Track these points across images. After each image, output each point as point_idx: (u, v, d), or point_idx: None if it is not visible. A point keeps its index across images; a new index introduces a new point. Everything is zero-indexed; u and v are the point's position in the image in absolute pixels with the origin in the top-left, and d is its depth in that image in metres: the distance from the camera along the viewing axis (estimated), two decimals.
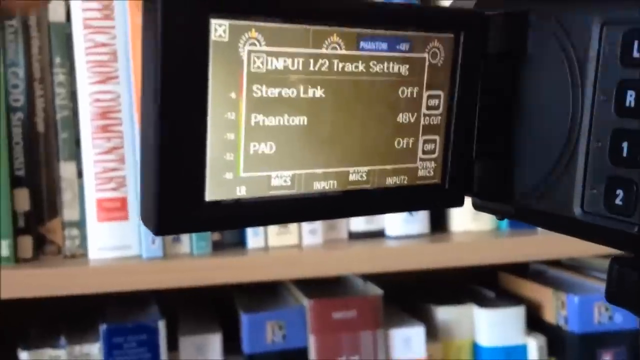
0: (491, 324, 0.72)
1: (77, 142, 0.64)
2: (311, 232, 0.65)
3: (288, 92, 0.22)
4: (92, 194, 0.64)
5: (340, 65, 0.22)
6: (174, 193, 0.20)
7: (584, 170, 0.23)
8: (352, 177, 0.23)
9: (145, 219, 0.21)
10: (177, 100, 0.20)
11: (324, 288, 0.71)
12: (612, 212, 0.23)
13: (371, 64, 0.23)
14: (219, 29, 0.20)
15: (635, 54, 0.22)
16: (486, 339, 0.72)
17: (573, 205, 0.24)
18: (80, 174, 0.64)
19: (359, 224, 0.68)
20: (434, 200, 0.26)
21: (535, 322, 0.74)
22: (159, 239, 0.64)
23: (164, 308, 0.69)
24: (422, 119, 0.24)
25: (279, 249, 0.65)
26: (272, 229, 0.65)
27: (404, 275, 0.69)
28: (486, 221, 0.70)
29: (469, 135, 0.25)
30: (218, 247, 0.66)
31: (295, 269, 0.65)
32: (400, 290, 0.77)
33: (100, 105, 0.63)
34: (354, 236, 0.68)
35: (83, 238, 0.65)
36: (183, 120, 0.20)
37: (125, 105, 0.64)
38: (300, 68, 0.22)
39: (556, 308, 0.72)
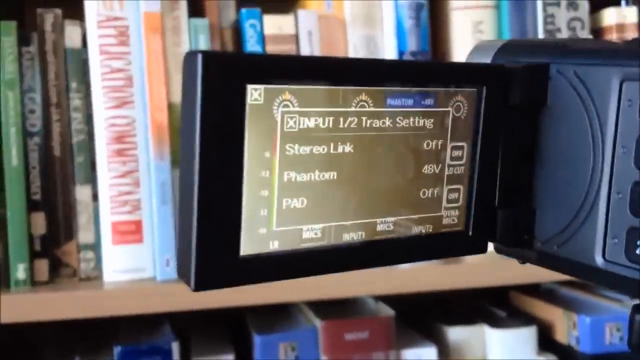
0: (503, 344, 0.72)
1: (92, 166, 0.65)
2: None
3: (319, 149, 0.22)
4: (107, 217, 0.65)
5: (369, 121, 0.23)
6: (211, 249, 0.21)
7: (605, 220, 0.24)
8: (379, 228, 0.24)
9: (182, 274, 0.21)
10: (214, 160, 0.21)
11: (336, 309, 0.71)
12: (632, 262, 0.23)
13: (397, 119, 0.24)
14: (254, 93, 0.21)
15: None
16: (498, 359, 0.72)
17: (594, 253, 0.24)
18: (95, 197, 0.65)
19: None
20: (457, 247, 0.26)
21: (546, 342, 0.74)
22: (172, 262, 0.65)
23: (177, 329, 0.69)
24: (446, 169, 0.25)
25: None
26: None
27: (415, 295, 0.69)
28: None
29: (492, 184, 0.26)
30: None
31: (307, 290, 0.66)
32: (411, 310, 0.77)
33: (115, 130, 0.64)
34: None
35: (98, 261, 0.65)
36: (220, 180, 0.21)
37: (140, 129, 0.65)
38: (331, 126, 0.22)
39: (568, 328, 0.73)
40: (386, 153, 0.24)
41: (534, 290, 0.80)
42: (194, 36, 0.66)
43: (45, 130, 0.64)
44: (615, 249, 0.24)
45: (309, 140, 0.22)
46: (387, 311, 0.71)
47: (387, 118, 0.23)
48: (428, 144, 0.25)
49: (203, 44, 0.66)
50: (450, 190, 0.25)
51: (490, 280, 0.69)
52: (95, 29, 0.64)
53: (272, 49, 0.67)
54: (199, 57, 0.20)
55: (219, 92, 0.20)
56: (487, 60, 0.27)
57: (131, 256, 0.65)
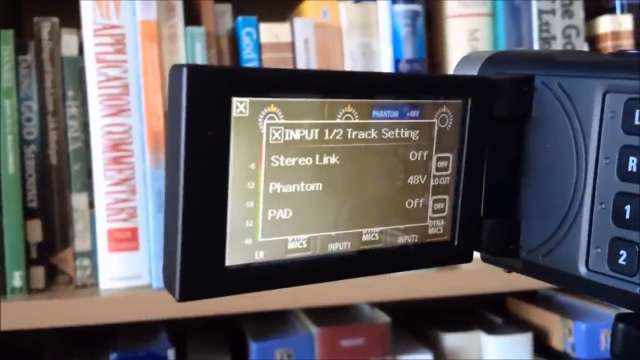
0: (499, 351, 0.72)
1: (89, 174, 0.65)
2: None
3: (304, 161, 0.23)
4: (104, 224, 0.65)
5: (354, 133, 0.23)
6: (196, 260, 0.21)
7: (589, 230, 0.24)
8: (365, 238, 0.24)
9: (168, 285, 0.22)
10: (200, 171, 0.21)
11: (332, 315, 0.71)
12: (615, 272, 0.24)
13: (383, 130, 0.24)
14: (240, 105, 0.21)
15: (637, 122, 0.23)
16: None
17: (578, 263, 0.25)
18: (91, 205, 0.65)
19: None
20: (443, 257, 0.26)
21: (542, 349, 0.74)
22: None
23: (174, 336, 0.69)
24: (431, 180, 0.25)
25: None
26: None
27: (411, 302, 0.69)
28: None
29: (477, 194, 0.26)
30: None
31: (303, 297, 0.66)
32: (408, 317, 0.77)
33: (112, 138, 0.65)
34: None
35: (94, 268, 0.66)
36: (205, 191, 0.21)
37: (137, 137, 0.65)
38: (316, 137, 0.23)
39: (563, 335, 0.73)
40: (372, 164, 0.24)
41: (530, 296, 0.81)
42: (190, 44, 0.66)
43: (42, 138, 0.65)
44: (598, 259, 0.24)
45: (295, 152, 0.22)
46: (383, 318, 0.71)
47: (373, 130, 0.24)
48: (414, 155, 0.25)
49: (199, 52, 0.66)
50: (435, 201, 0.26)
51: (486, 286, 0.69)
52: (91, 38, 0.64)
53: (268, 57, 0.68)
54: (184, 70, 0.20)
55: (204, 105, 0.21)
56: (474, 71, 0.27)
57: (127, 263, 0.65)
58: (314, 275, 0.24)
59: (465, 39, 0.71)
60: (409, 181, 0.25)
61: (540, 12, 0.71)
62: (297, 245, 0.23)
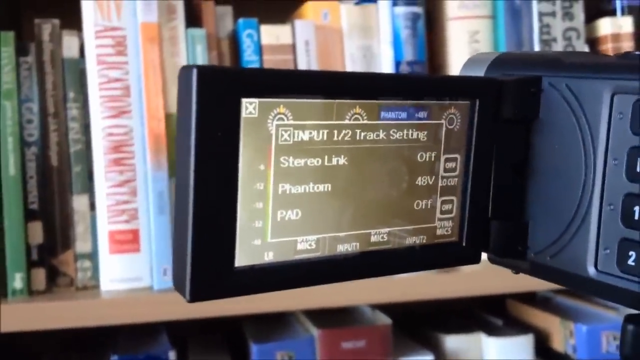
0: (499, 353, 0.72)
1: (90, 176, 0.65)
2: None
3: (313, 162, 0.23)
4: (105, 226, 0.65)
5: (363, 134, 0.23)
6: (206, 261, 0.21)
7: (597, 231, 0.24)
8: (373, 239, 0.24)
9: (178, 285, 0.22)
10: (210, 172, 0.21)
11: (333, 317, 0.71)
12: (624, 273, 0.24)
13: (391, 131, 0.24)
14: (249, 106, 0.21)
15: None
16: None
17: (587, 264, 0.25)
18: (92, 207, 0.65)
19: None
20: (451, 258, 0.26)
21: (543, 351, 0.74)
22: (169, 271, 0.65)
23: (174, 338, 0.69)
24: (439, 181, 0.25)
25: None
26: None
27: (412, 304, 0.69)
28: None
29: (485, 195, 0.26)
30: None
31: (305, 299, 0.66)
32: (409, 319, 0.77)
33: (113, 139, 0.64)
34: None
35: (95, 270, 0.65)
36: (215, 192, 0.21)
37: (138, 139, 0.65)
38: (325, 138, 0.23)
39: (564, 336, 0.73)
40: (380, 165, 0.24)
41: (531, 298, 0.81)
42: (191, 46, 0.66)
43: (43, 140, 0.64)
44: (607, 260, 0.24)
45: (304, 153, 0.22)
46: (384, 320, 0.71)
47: (381, 131, 0.24)
48: (422, 156, 0.25)
49: (200, 54, 0.66)
50: (443, 202, 0.26)
51: (487, 288, 0.69)
52: (92, 39, 0.64)
53: (269, 59, 0.68)
54: (194, 71, 0.20)
55: (214, 106, 0.21)
56: (481, 73, 0.27)
57: (128, 265, 0.65)
58: (322, 276, 0.24)
59: (466, 41, 0.71)
60: (416, 182, 0.25)
61: (541, 15, 0.71)
62: (306, 246, 0.23)
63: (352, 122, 0.23)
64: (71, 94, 0.65)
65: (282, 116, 0.22)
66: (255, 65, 0.67)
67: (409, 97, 0.24)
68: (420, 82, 0.24)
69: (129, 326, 0.65)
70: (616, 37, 0.72)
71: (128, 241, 0.65)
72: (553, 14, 0.71)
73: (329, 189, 0.23)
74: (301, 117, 0.22)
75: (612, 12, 0.75)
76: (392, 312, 0.72)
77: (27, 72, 0.64)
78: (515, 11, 0.72)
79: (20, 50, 0.64)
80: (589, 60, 0.26)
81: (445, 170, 0.25)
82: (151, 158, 0.64)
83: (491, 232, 0.26)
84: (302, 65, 0.68)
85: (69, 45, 0.65)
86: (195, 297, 0.21)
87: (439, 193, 0.25)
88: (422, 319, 0.79)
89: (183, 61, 0.66)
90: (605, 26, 0.73)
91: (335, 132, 0.23)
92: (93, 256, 0.65)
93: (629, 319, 0.24)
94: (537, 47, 0.71)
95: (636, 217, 0.23)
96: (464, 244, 0.26)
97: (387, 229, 0.25)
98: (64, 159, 0.65)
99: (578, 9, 0.71)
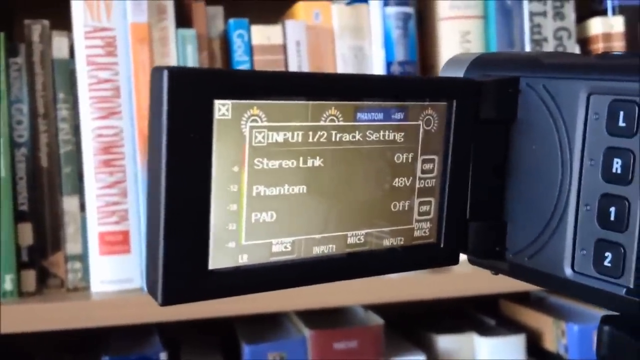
0: (492, 352, 0.72)
1: (80, 177, 0.65)
2: None
3: (288, 163, 0.23)
4: (95, 227, 0.65)
5: (338, 136, 0.23)
6: (179, 264, 0.21)
7: (574, 232, 0.24)
8: (350, 241, 0.24)
9: (151, 289, 0.21)
10: (182, 174, 0.21)
11: (326, 318, 0.71)
12: (601, 274, 0.23)
13: (368, 133, 0.24)
14: (222, 108, 0.21)
15: (621, 124, 0.23)
16: None
17: (564, 265, 0.25)
18: (83, 208, 0.65)
19: None
20: (429, 259, 0.26)
21: (535, 350, 0.74)
22: None
23: (166, 339, 0.69)
24: (417, 182, 0.25)
25: None
26: None
27: (404, 304, 0.69)
28: None
29: (463, 196, 0.26)
30: None
31: (297, 299, 0.66)
32: (401, 319, 0.77)
33: (103, 140, 0.64)
34: None
35: (85, 271, 0.65)
36: (188, 194, 0.21)
37: (128, 140, 0.65)
38: (300, 140, 0.23)
39: (556, 336, 0.73)
40: (357, 166, 0.24)
41: (523, 298, 0.81)
42: (181, 47, 0.66)
43: (33, 141, 0.64)
44: (584, 261, 0.24)
45: (278, 155, 0.22)
46: (377, 320, 0.71)
47: (358, 132, 0.24)
48: (399, 157, 0.25)
49: (190, 54, 0.66)
50: (421, 203, 0.26)
51: (479, 288, 0.69)
52: (82, 40, 0.64)
53: (260, 59, 0.68)
54: (165, 73, 0.20)
55: (186, 108, 0.20)
56: (460, 73, 0.27)
57: (119, 267, 0.65)
58: (298, 278, 0.24)
59: (457, 41, 0.71)
60: (394, 183, 0.25)
61: (532, 14, 0.71)
62: (281, 248, 0.23)
63: (327, 123, 0.23)
64: (61, 95, 0.65)
65: (256, 118, 0.22)
66: (246, 65, 0.67)
67: (386, 98, 0.24)
68: (396, 83, 0.24)
69: (121, 327, 0.65)
70: (607, 37, 0.72)
71: (118, 242, 0.65)
72: (544, 14, 0.71)
73: (305, 190, 0.23)
74: (275, 119, 0.22)
75: (603, 12, 0.75)
76: (384, 313, 0.72)
77: (17, 73, 0.64)
78: (507, 11, 0.72)
79: (10, 51, 0.64)
80: (566, 60, 0.26)
81: (423, 172, 0.25)
82: (141, 159, 0.64)
83: (470, 233, 0.26)
84: (293, 66, 0.68)
85: (58, 46, 0.65)
86: (167, 300, 0.21)
87: (416, 194, 0.25)
88: (414, 319, 0.79)
89: (173, 62, 0.66)
90: (596, 26, 0.73)
91: (311, 133, 0.23)
92: (83, 257, 0.65)
93: (605, 320, 0.23)
94: (528, 47, 0.71)
95: (612, 218, 0.23)
96: (442, 245, 0.26)
97: (364, 231, 0.24)
98: (54, 160, 0.65)
99: (569, 8, 0.71)
